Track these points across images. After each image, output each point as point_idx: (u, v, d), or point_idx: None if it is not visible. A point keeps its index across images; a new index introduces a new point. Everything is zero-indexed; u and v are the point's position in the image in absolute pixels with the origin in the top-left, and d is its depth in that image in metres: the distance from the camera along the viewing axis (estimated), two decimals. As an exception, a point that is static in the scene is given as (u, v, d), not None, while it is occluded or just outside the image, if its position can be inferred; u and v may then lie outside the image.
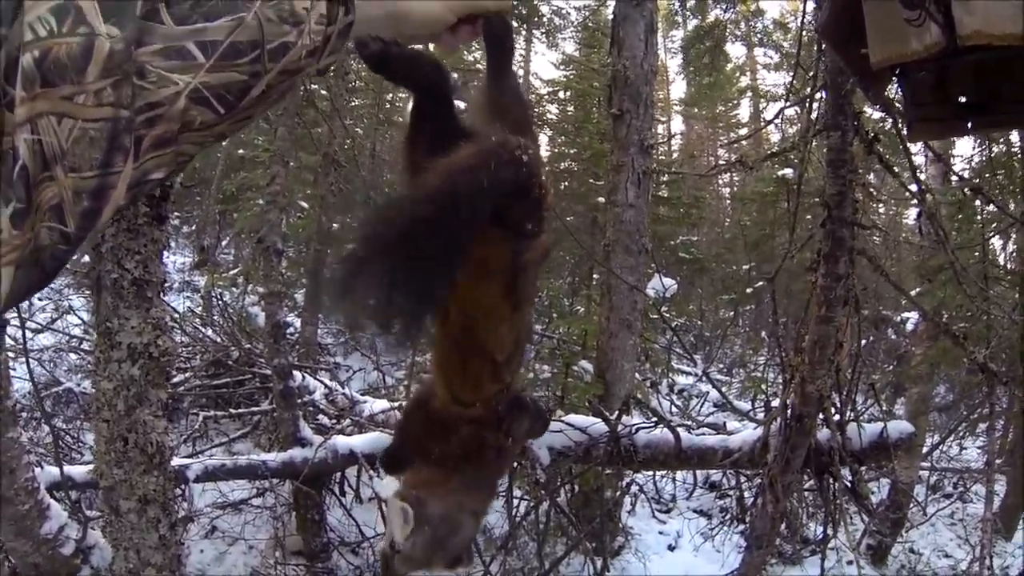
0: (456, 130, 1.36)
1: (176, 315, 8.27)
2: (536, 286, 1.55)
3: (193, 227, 15.27)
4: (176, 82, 0.68)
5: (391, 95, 14.16)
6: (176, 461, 3.66)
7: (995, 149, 7.07)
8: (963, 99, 1.85)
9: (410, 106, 1.51)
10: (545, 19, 12.10)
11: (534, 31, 12.94)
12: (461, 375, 1.46)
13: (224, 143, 13.07)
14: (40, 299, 8.95)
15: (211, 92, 0.71)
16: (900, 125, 3.34)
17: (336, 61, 0.91)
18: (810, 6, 3.71)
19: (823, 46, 3.33)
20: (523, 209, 1.31)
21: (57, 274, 0.66)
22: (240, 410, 7.08)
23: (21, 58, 0.58)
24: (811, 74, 3.74)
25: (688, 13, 10.99)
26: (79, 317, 8.48)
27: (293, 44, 0.76)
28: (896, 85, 1.96)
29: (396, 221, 1.14)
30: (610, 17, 6.68)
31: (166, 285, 2.77)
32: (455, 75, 1.54)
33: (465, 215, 1.13)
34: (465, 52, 11.31)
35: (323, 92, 8.86)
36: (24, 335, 4.33)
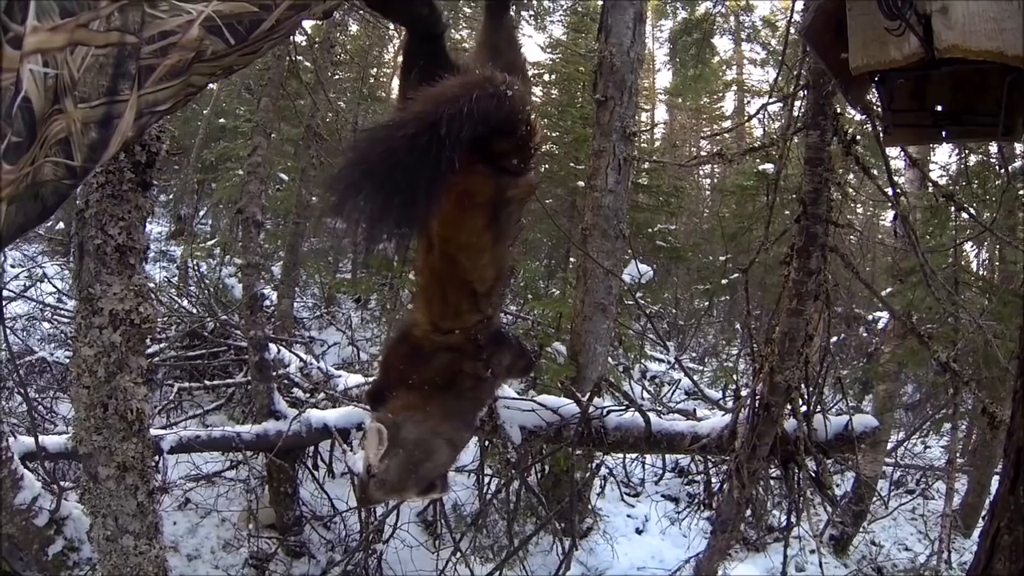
0: (446, 66, 1.42)
1: (152, 285, 8.20)
2: (519, 224, 1.61)
3: (171, 196, 15.07)
4: (188, 11, 0.69)
5: (375, 69, 14.05)
6: (150, 432, 3.66)
7: (973, 159, 7.19)
8: (939, 108, 1.91)
9: (404, 42, 1.56)
10: (534, 1, 12.06)
11: (522, 13, 12.88)
12: (442, 303, 1.51)
13: (206, 112, 12.91)
14: (13, 266, 8.82)
15: (223, 21, 0.73)
16: (878, 128, 3.42)
17: (339, 4, 0.93)
18: (799, 5, 3.76)
19: (807, 47, 3.38)
20: (509, 145, 1.37)
21: (56, 208, 0.67)
22: (215, 382, 7.07)
23: None
24: (795, 73, 3.80)
25: (678, 4, 10.99)
26: (53, 285, 8.38)
27: None
28: (875, 90, 2.02)
29: (382, 142, 1.18)
30: (599, 3, 6.70)
31: (148, 253, 2.78)
32: (446, 15, 1.60)
33: (446, 138, 1.16)
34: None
35: (307, 64, 8.79)
36: (0, 302, 4.27)
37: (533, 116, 1.42)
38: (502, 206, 1.43)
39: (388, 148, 1.16)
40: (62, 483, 3.94)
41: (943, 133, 2.03)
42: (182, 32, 0.69)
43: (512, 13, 1.89)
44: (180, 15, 0.69)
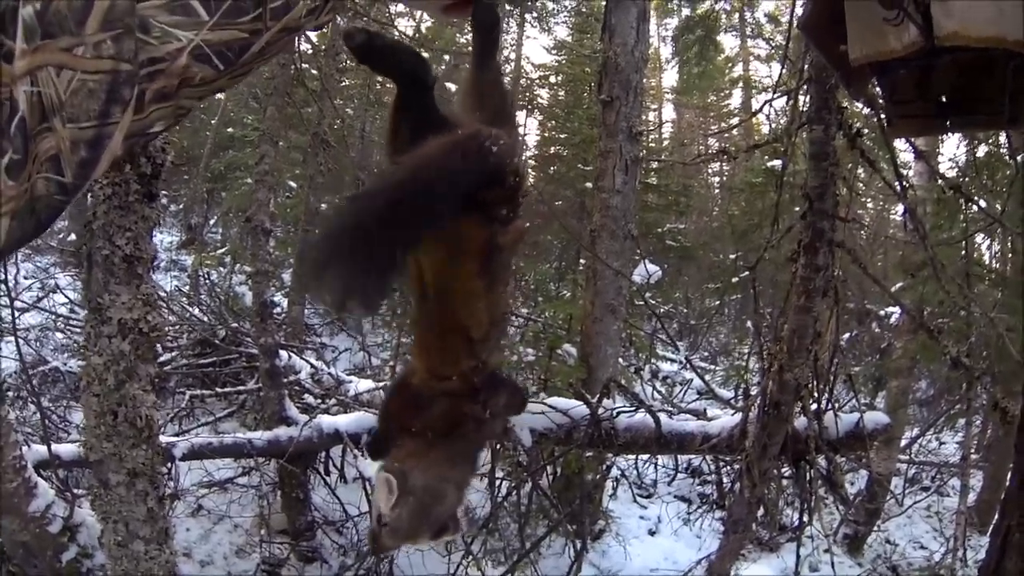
0: (435, 120, 1.40)
1: (164, 294, 8.25)
2: (511, 268, 1.62)
3: (181, 206, 15.17)
4: (179, 38, 0.68)
5: (381, 77, 14.06)
6: (163, 439, 3.68)
7: (983, 149, 7.12)
8: (943, 98, 1.89)
9: (393, 96, 1.56)
10: (538, 3, 12.07)
11: (527, 15, 12.90)
12: (439, 350, 1.51)
13: (214, 121, 13.00)
14: (26, 277, 8.90)
15: (212, 49, 0.71)
16: (883, 121, 3.39)
17: (332, 20, 0.93)
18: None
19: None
20: (497, 195, 1.35)
21: (51, 223, 0.68)
22: (226, 389, 7.11)
23: (21, 10, 0.59)
24: (798, 67, 3.78)
25: (682, 2, 10.98)
26: (65, 296, 8.45)
27: (295, 2, 0.77)
28: (877, 81, 2.00)
29: (363, 210, 1.17)
30: (603, 3, 6.70)
31: (155, 263, 2.80)
32: (435, 67, 1.59)
33: (429, 205, 1.17)
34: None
35: (313, 72, 8.81)
36: (13, 314, 4.33)
37: (521, 166, 1.41)
38: (494, 253, 1.43)
39: (358, 223, 1.14)
40: (75, 491, 3.97)
41: (947, 123, 2.01)
42: (171, 60, 0.68)
43: (499, 57, 1.88)
44: (170, 42, 0.68)
